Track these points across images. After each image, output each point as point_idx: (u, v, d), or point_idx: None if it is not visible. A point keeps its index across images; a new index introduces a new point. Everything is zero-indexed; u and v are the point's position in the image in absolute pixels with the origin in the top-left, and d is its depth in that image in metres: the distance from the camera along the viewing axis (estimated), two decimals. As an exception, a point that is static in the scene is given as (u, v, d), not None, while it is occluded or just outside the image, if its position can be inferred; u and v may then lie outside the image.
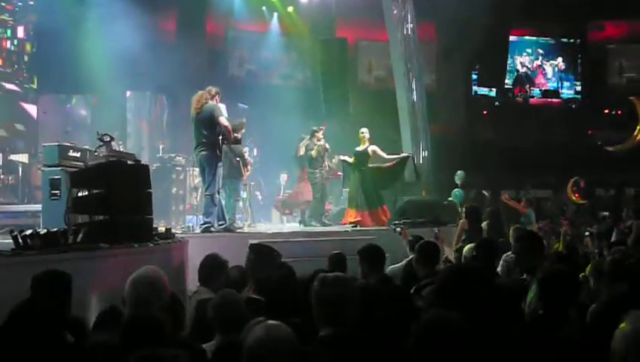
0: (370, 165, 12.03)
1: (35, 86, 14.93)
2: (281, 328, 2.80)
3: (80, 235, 5.74)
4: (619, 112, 21.80)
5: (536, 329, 3.45)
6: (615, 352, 2.44)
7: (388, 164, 12.18)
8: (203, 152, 9.40)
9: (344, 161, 12.38)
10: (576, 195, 17.96)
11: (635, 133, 16.66)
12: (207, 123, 9.40)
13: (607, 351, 2.50)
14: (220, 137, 9.59)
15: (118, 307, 4.16)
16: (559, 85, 24.05)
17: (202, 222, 9.63)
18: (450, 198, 13.84)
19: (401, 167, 12.18)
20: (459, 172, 14.09)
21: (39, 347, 2.90)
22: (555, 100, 23.81)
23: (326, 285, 3.38)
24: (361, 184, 11.84)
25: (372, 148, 11.88)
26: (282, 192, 15.21)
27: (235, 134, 9.99)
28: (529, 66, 23.94)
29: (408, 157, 12.41)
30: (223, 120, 9.49)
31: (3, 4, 14.12)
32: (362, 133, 12.00)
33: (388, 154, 12.23)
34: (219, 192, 9.57)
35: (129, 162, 7.19)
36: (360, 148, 11.94)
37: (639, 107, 16.39)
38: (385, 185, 12.23)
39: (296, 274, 4.96)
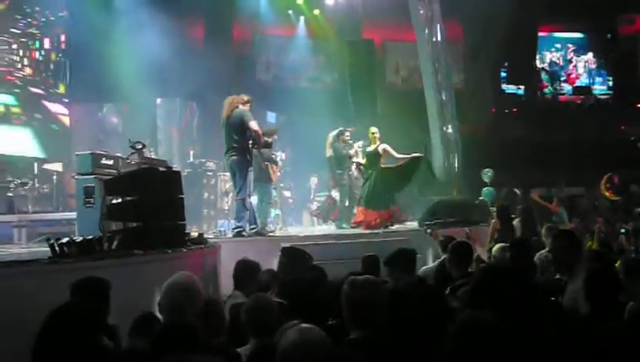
0: (383, 165, 11.98)
1: (60, 91, 15.09)
2: (314, 331, 2.80)
3: (115, 242, 5.83)
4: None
5: (582, 328, 3.41)
6: None
7: (397, 164, 12.10)
8: (234, 157, 9.46)
9: (358, 163, 12.41)
10: (610, 192, 17.69)
11: None
12: (237, 128, 9.47)
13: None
14: (251, 142, 9.66)
15: (153, 313, 4.21)
16: (591, 81, 23.70)
17: (234, 227, 9.69)
18: (481, 197, 13.74)
19: (412, 166, 11.97)
20: (486, 170, 13.98)
21: (76, 351, 2.93)
22: (584, 96, 23.47)
23: (356, 287, 3.38)
24: (372, 184, 11.81)
25: (382, 147, 11.87)
26: (313, 195, 15.23)
27: (267, 138, 10.07)
28: (558, 62, 23.62)
29: (420, 157, 12.13)
30: (254, 124, 9.55)
31: (29, 19, 14.34)
32: (373, 132, 12.04)
33: (401, 153, 12.16)
34: (250, 196, 9.62)
35: (161, 169, 7.27)
36: (370, 149, 11.97)
37: None
38: (395, 184, 12.09)
39: (326, 276, 4.95)
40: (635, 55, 23.49)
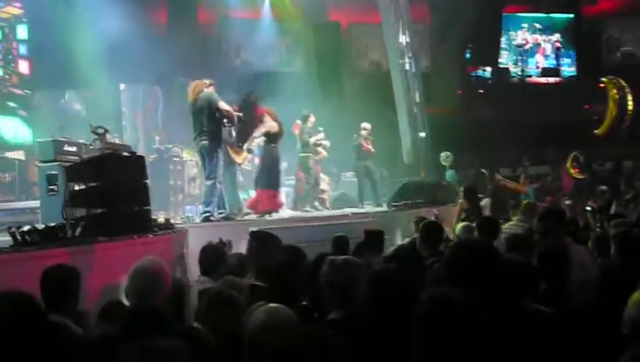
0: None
1: (19, 77, 14.81)
2: (282, 311, 2.78)
3: (78, 229, 5.72)
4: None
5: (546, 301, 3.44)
6: (628, 319, 2.47)
7: None
8: (204, 141, 9.36)
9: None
10: (576, 170, 17.96)
11: (608, 114, 16.69)
12: (205, 111, 9.37)
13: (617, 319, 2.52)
14: (225, 121, 9.57)
15: (121, 300, 4.15)
16: (558, 62, 23.84)
17: (202, 212, 9.60)
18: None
19: None
20: (443, 154, 14.03)
21: (39, 338, 2.86)
22: (549, 78, 23.65)
23: (335, 268, 3.37)
24: None
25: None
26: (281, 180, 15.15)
27: (238, 113, 9.99)
28: (525, 43, 23.65)
29: None
30: (223, 104, 9.49)
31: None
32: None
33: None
34: (220, 181, 9.54)
35: (124, 154, 7.15)
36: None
37: (609, 88, 16.39)
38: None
39: (304, 257, 4.92)
40: (599, 35, 23.74)
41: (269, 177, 10.75)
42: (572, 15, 23.88)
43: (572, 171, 17.98)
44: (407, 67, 15.41)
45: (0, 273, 4.84)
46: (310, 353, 2.39)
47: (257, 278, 4.80)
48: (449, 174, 14.12)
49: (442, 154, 14.25)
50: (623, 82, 15.87)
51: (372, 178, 12.96)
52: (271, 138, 10.82)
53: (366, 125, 12.92)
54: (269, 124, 10.85)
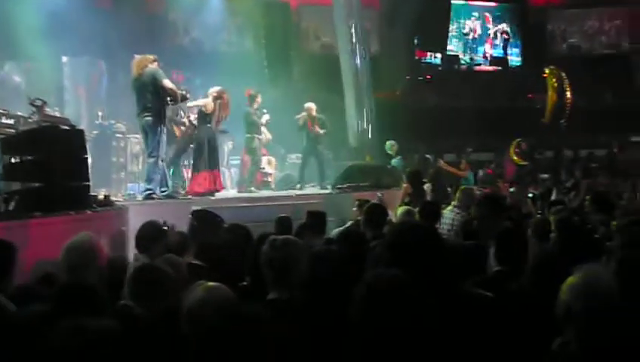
0: None
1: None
2: (220, 289, 2.76)
3: (12, 203, 5.53)
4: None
5: (489, 285, 3.48)
6: (562, 303, 2.51)
7: None
8: (147, 118, 9.22)
9: None
10: (519, 157, 18.33)
11: (549, 101, 17.12)
12: (150, 88, 9.23)
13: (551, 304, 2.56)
14: (169, 99, 9.44)
15: (54, 274, 4.04)
16: (505, 52, 24.13)
17: (144, 189, 9.45)
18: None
19: None
20: (388, 143, 14.11)
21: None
22: (497, 68, 23.96)
23: (276, 248, 3.36)
24: None
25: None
26: (227, 159, 15.03)
27: (182, 91, 9.87)
28: (474, 31, 23.84)
29: None
30: (167, 82, 9.39)
31: None
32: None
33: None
34: (162, 159, 9.39)
35: (63, 127, 6.95)
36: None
37: (549, 78, 16.82)
38: None
39: (250, 237, 4.87)
40: (544, 26, 24.15)
41: (207, 158, 10.57)
42: (519, 5, 24.21)
43: (515, 158, 18.33)
44: (356, 51, 15.41)
45: None
46: (244, 332, 2.38)
47: (197, 257, 4.74)
48: (395, 161, 14.21)
49: (387, 143, 14.29)
50: (562, 73, 16.27)
51: (320, 159, 12.92)
52: (205, 118, 10.65)
53: (310, 105, 12.83)
54: (204, 101, 10.71)
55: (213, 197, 10.32)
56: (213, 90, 10.93)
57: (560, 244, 4.87)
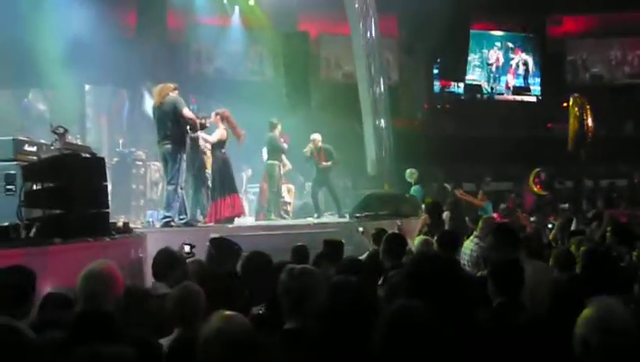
0: None
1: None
2: (237, 319, 2.75)
3: (33, 230, 5.58)
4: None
5: (493, 317, 3.46)
6: (579, 337, 2.47)
7: None
8: (168, 145, 9.29)
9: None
10: (538, 187, 18.21)
11: (570, 129, 17.04)
12: (171, 115, 9.30)
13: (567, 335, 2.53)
14: (188, 127, 9.55)
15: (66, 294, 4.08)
16: (527, 81, 24.22)
17: (162, 217, 9.49)
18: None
19: None
20: (409, 171, 14.11)
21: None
22: (518, 96, 24.01)
23: (293, 277, 3.34)
24: None
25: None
26: (245, 187, 15.10)
27: (201, 121, 9.96)
28: (497, 61, 24.01)
29: None
30: (187, 112, 9.48)
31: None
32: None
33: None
34: (182, 187, 9.45)
35: (83, 155, 7.02)
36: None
37: (572, 106, 16.74)
38: None
39: (266, 265, 4.87)
40: (563, 55, 24.15)
41: (223, 183, 10.62)
42: (538, 35, 24.28)
43: (534, 188, 18.21)
44: (375, 80, 15.47)
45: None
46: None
47: (215, 285, 4.73)
48: (414, 189, 14.18)
49: (407, 171, 14.29)
50: (585, 101, 16.23)
51: (332, 189, 12.95)
52: (221, 144, 10.72)
53: (316, 136, 12.80)
54: (221, 132, 10.76)
55: (231, 225, 10.34)
56: (216, 119, 10.93)
57: (586, 275, 4.80)
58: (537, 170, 18.32)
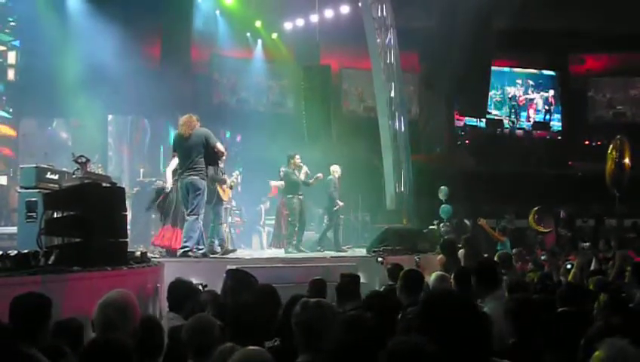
0: None
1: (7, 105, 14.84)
2: (260, 354, 2.74)
3: (52, 257, 5.64)
4: (599, 143, 21.97)
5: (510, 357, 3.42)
6: None
7: None
8: (193, 176, 9.31)
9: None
10: (540, 225, 18.03)
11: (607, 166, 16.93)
12: (199, 148, 9.37)
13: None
14: (215, 160, 9.78)
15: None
16: (548, 117, 24.27)
17: (181, 247, 9.50)
18: (430, 226, 13.84)
19: None
20: (442, 187, 14.12)
21: None
22: (538, 132, 24.02)
23: (307, 309, 3.36)
24: None
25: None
26: (263, 220, 15.17)
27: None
28: (519, 97, 24.14)
29: None
30: (220, 145, 9.66)
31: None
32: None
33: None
34: (201, 218, 9.49)
35: (104, 184, 7.10)
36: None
37: (611, 149, 16.68)
38: None
39: (278, 301, 4.88)
40: (585, 93, 24.13)
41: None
42: (560, 73, 24.33)
43: (535, 226, 18.02)
44: (395, 114, 15.54)
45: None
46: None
47: (230, 317, 4.73)
48: (443, 209, 14.19)
49: (441, 188, 14.41)
50: (624, 141, 16.16)
51: (338, 222, 13.13)
52: None
53: (336, 168, 12.95)
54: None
55: (248, 257, 10.36)
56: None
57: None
58: (536, 208, 18.14)
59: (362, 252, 12.05)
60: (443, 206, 13.67)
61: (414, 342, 2.43)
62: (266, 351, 2.86)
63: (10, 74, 15.10)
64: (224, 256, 10.29)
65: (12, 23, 14.68)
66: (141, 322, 3.85)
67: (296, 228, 12.33)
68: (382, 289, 6.96)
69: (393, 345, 2.42)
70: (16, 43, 15.01)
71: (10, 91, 15.10)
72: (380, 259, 9.46)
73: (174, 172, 9.99)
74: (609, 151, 16.59)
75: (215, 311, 4.98)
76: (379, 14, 15.45)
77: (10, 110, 14.97)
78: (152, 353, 3.87)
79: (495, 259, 8.19)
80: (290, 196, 12.36)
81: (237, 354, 2.77)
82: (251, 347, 2.86)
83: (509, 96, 24.03)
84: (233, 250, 11.18)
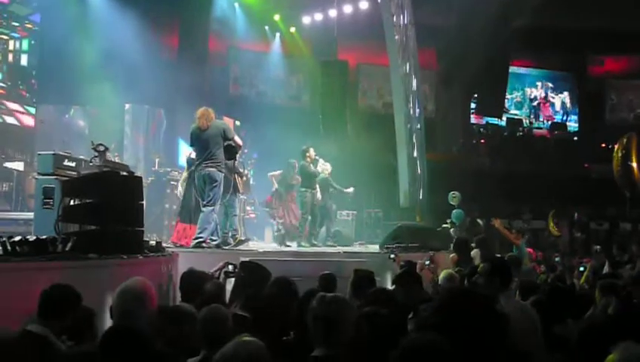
0: None
1: (26, 92, 14.95)
2: (252, 345, 2.75)
3: (69, 244, 5.70)
4: (615, 146, 21.84)
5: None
6: None
7: None
8: (210, 168, 9.36)
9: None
10: (555, 228, 17.98)
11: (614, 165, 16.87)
12: (217, 139, 9.42)
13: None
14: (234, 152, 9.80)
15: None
16: (565, 118, 24.23)
17: (195, 237, 9.54)
18: (444, 224, 13.81)
19: None
20: (452, 193, 14.09)
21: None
22: (555, 132, 23.96)
23: (324, 304, 3.37)
24: None
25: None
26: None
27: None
28: (539, 98, 24.13)
29: None
30: (238, 138, 9.83)
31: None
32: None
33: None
34: (216, 210, 9.54)
35: (122, 173, 7.15)
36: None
37: (618, 147, 16.61)
38: None
39: (295, 291, 4.91)
40: (603, 95, 23.99)
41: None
42: (577, 74, 24.21)
43: (555, 231, 17.96)
44: (412, 111, 15.52)
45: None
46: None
47: (243, 309, 4.77)
48: (455, 213, 14.16)
49: (450, 194, 14.35)
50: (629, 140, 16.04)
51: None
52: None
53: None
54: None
55: (261, 250, 10.40)
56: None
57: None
58: (552, 212, 18.05)
59: (375, 248, 12.07)
60: (455, 211, 13.62)
61: (428, 339, 2.45)
62: (259, 343, 2.85)
63: (28, 61, 15.19)
64: (237, 248, 10.33)
65: (31, 15, 14.78)
66: (159, 310, 3.90)
67: (307, 223, 12.40)
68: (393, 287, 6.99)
69: (407, 342, 2.44)
70: (36, 30, 15.09)
71: (28, 79, 15.19)
72: (392, 256, 9.45)
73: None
74: (615, 150, 16.52)
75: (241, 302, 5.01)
76: (397, 11, 15.41)
77: (29, 97, 15.06)
78: (168, 341, 3.90)
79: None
80: (304, 190, 12.40)
81: (229, 344, 2.77)
82: (247, 338, 2.87)
83: (530, 97, 24.04)
84: (246, 240, 11.21)
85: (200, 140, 9.50)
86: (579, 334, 3.67)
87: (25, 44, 15.09)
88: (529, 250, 12.36)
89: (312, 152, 12.47)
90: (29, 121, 15.09)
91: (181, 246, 9.81)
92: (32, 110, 15.09)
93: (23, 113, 14.96)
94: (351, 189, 13.36)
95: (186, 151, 12.04)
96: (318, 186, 12.77)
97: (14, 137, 14.70)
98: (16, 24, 14.85)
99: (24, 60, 15.23)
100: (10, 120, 14.70)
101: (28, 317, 3.88)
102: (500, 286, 5.29)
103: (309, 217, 12.52)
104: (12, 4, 14.80)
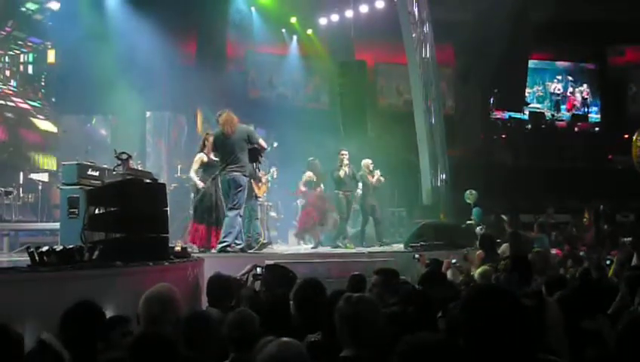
0: None
1: (48, 102, 15.10)
2: (293, 345, 2.77)
3: (96, 252, 5.74)
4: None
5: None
6: None
7: None
8: (235, 172, 9.41)
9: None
10: (589, 223, 17.79)
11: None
12: (241, 144, 9.49)
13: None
14: (259, 156, 9.92)
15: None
16: (586, 110, 24.04)
17: (220, 242, 9.58)
18: (468, 221, 13.74)
19: None
20: (468, 192, 13.99)
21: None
22: (576, 125, 23.75)
23: (351, 304, 3.36)
24: None
25: None
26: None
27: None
28: (560, 91, 23.96)
29: None
30: (263, 142, 9.88)
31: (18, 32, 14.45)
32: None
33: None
34: (241, 214, 9.57)
35: (146, 180, 7.20)
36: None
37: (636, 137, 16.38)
38: None
39: (322, 292, 4.90)
40: (624, 86, 23.72)
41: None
42: (598, 65, 23.97)
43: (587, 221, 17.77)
44: (432, 109, 15.48)
45: (16, 292, 4.88)
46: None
47: (269, 311, 4.77)
48: (475, 211, 14.06)
49: (467, 192, 14.23)
50: None
51: (376, 216, 13.06)
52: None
53: (367, 161, 12.92)
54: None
55: (286, 252, 10.42)
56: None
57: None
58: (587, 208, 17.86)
59: (399, 247, 12.03)
60: (475, 209, 13.53)
61: (427, 338, 2.44)
62: (300, 344, 2.87)
63: (50, 71, 15.33)
64: (262, 251, 10.36)
65: (50, 23, 14.89)
66: (185, 315, 3.92)
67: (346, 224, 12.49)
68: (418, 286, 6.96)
69: (407, 341, 2.44)
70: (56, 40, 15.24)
71: (50, 88, 15.33)
72: (416, 256, 9.43)
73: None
74: (634, 140, 16.31)
75: (254, 305, 5.02)
76: (414, 8, 15.38)
77: (50, 108, 15.21)
78: (196, 346, 3.91)
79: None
80: (336, 192, 12.46)
81: (271, 345, 2.80)
82: (285, 339, 2.88)
83: (551, 91, 23.89)
84: (269, 243, 11.23)
85: (224, 146, 9.55)
86: (621, 330, 3.63)
87: (51, 55, 15.21)
88: (556, 251, 12.21)
89: (341, 155, 12.40)
90: (52, 131, 15.23)
91: (201, 248, 9.85)
92: (55, 121, 15.21)
93: (45, 123, 15.10)
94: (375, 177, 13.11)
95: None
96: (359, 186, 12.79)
97: (38, 148, 14.85)
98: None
99: (49, 72, 15.37)
100: (33, 133, 14.85)
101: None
102: (519, 283, 5.23)
103: (345, 218, 12.60)
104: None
